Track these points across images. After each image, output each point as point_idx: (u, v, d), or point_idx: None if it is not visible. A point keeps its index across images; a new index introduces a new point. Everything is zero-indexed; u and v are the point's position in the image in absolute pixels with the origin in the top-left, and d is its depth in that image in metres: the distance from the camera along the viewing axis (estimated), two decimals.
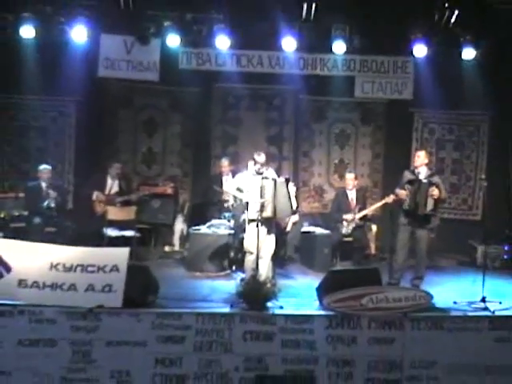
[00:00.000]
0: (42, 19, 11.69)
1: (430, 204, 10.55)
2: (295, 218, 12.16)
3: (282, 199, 9.99)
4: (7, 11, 11.59)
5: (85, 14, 11.61)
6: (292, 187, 10.50)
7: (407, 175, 10.75)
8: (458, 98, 13.29)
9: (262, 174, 10.10)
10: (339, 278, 9.56)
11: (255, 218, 9.94)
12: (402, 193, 10.64)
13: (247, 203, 10.05)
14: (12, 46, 12.11)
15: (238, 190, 10.26)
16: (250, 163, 10.49)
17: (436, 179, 10.80)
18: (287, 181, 10.16)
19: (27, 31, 11.65)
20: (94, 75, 12.53)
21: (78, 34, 11.75)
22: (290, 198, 10.07)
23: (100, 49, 12.31)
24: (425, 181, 10.65)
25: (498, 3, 11.62)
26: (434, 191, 10.54)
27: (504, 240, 12.72)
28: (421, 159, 10.80)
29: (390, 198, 11.19)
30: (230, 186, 10.77)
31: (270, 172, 10.40)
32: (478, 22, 11.75)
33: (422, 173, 10.73)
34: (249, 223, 10.14)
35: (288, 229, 12.08)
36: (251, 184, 10.03)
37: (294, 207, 10.47)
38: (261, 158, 10.16)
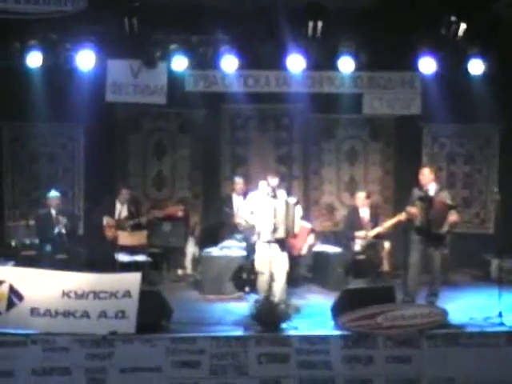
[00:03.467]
0: (48, 46, 11.69)
1: (446, 227, 10.51)
2: (311, 240, 12.10)
3: (291, 220, 10.02)
4: (14, 39, 11.59)
5: (91, 39, 11.61)
6: (299, 210, 10.48)
7: (416, 193, 10.68)
8: (468, 111, 13.24)
9: (274, 196, 10.14)
10: (353, 297, 9.52)
11: (268, 239, 9.96)
12: (414, 210, 10.58)
13: (256, 225, 10.07)
14: (20, 73, 12.10)
15: (251, 213, 10.25)
16: (262, 183, 10.47)
17: (445, 194, 10.77)
18: (296, 203, 10.22)
19: (34, 59, 11.64)
20: (101, 100, 12.51)
21: (85, 59, 11.73)
22: (294, 220, 10.09)
23: (107, 74, 12.30)
24: (450, 202, 10.64)
25: (504, 14, 11.60)
26: (453, 216, 10.52)
27: None
28: (426, 177, 10.72)
29: (402, 216, 11.11)
30: (244, 210, 10.71)
31: (281, 193, 10.40)
32: (485, 34, 11.72)
33: (431, 189, 10.66)
34: (259, 243, 10.15)
35: (304, 252, 12.00)
36: (264, 205, 10.05)
37: (296, 230, 10.43)
38: (274, 181, 10.28)
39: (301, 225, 11.07)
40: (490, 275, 12.44)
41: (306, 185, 14.09)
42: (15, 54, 11.68)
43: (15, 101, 12.68)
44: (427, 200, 10.52)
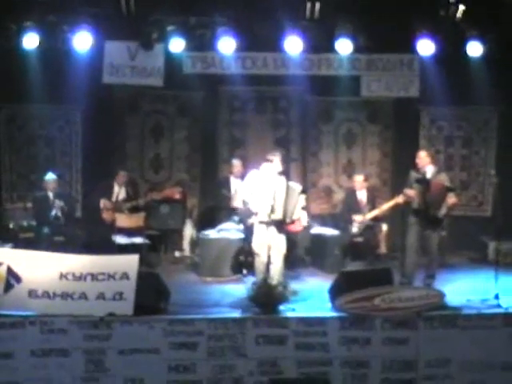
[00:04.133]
0: (45, 28, 11.66)
1: (444, 209, 10.53)
2: (305, 221, 12.00)
3: (291, 205, 10.00)
4: (10, 21, 11.55)
5: (88, 21, 11.57)
6: (302, 200, 10.43)
7: (413, 175, 10.67)
8: (466, 94, 13.18)
9: (276, 173, 10.13)
10: (351, 279, 9.54)
11: (265, 220, 9.95)
12: (411, 193, 10.58)
13: (254, 206, 10.06)
14: (16, 55, 12.09)
15: (251, 193, 10.22)
16: (265, 165, 10.46)
17: (443, 176, 10.77)
18: (303, 192, 10.20)
19: (31, 40, 11.63)
20: (98, 82, 12.51)
21: (82, 41, 11.72)
22: (295, 206, 10.11)
23: (104, 56, 12.29)
24: (448, 185, 10.65)
25: None
26: (452, 199, 10.54)
27: None
28: (423, 160, 10.70)
29: (400, 198, 11.11)
30: (243, 189, 10.69)
31: (281, 178, 10.33)
32: (484, 15, 11.69)
33: (429, 172, 10.65)
34: (256, 225, 10.14)
35: (305, 222, 11.75)
36: (264, 185, 10.03)
37: (295, 217, 10.37)
38: (276, 157, 10.23)
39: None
40: (487, 257, 12.44)
41: (303, 167, 14.06)
42: (12, 35, 11.65)
43: (12, 82, 12.61)
44: (425, 182, 10.51)
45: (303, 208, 10.65)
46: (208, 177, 13.80)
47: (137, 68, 12.43)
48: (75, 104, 13.26)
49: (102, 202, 12.28)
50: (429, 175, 10.63)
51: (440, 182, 10.64)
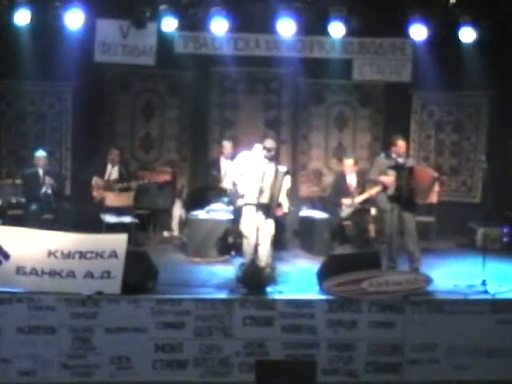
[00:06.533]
0: (37, 4, 11.61)
1: (434, 197, 10.55)
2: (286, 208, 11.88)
3: (277, 188, 9.99)
4: None
5: None
6: (288, 180, 10.36)
7: (384, 161, 10.62)
8: (458, 79, 13.19)
9: (271, 159, 10.08)
10: (339, 262, 9.55)
11: (252, 202, 9.93)
12: (388, 180, 10.52)
13: (243, 187, 10.04)
14: (7, 31, 12.02)
15: (241, 174, 10.19)
16: (257, 146, 10.40)
17: (411, 161, 10.82)
18: (286, 173, 10.15)
19: (22, 16, 11.57)
20: (90, 60, 12.49)
21: (74, 18, 11.67)
22: (280, 188, 10.06)
23: (96, 34, 12.25)
24: (435, 175, 10.64)
25: None
26: (436, 187, 10.56)
27: (504, 222, 12.67)
28: (402, 148, 10.62)
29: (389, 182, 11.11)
30: (233, 170, 10.67)
31: (272, 163, 10.28)
32: (477, 1, 11.69)
33: (401, 158, 10.61)
34: (245, 206, 10.12)
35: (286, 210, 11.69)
36: (253, 167, 10.00)
37: (281, 200, 10.24)
38: (270, 143, 10.19)
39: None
40: (475, 243, 12.44)
41: (293, 149, 14.05)
42: (3, 11, 11.59)
43: (2, 58, 12.56)
44: (406, 169, 10.44)
45: (287, 193, 10.56)
46: (198, 157, 13.81)
47: (128, 47, 12.42)
48: (66, 81, 13.22)
49: (94, 180, 12.24)
50: (401, 160, 10.56)
51: (428, 171, 10.66)
